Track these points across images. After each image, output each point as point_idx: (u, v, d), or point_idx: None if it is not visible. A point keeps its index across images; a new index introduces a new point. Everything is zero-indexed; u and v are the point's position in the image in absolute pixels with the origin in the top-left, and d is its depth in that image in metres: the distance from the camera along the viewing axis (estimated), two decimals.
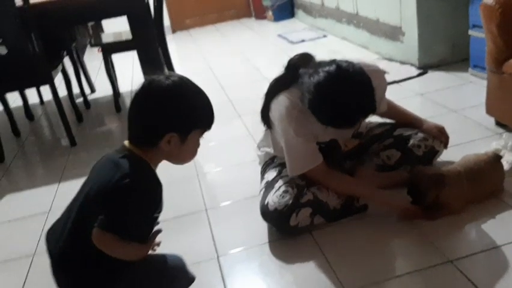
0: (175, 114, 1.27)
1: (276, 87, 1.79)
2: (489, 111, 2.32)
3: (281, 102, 1.74)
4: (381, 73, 1.90)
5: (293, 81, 1.74)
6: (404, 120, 2.03)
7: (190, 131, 1.30)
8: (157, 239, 1.35)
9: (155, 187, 1.28)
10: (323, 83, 1.57)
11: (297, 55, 1.82)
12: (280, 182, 1.82)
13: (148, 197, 1.25)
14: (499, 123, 2.31)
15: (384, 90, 1.91)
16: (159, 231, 1.34)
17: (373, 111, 1.64)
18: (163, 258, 1.39)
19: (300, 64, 1.76)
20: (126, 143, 1.31)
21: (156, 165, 1.34)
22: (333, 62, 1.61)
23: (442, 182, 1.69)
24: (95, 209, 1.21)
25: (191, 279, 1.42)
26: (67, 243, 1.27)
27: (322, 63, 1.65)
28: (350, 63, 1.60)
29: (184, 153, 1.34)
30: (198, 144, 1.36)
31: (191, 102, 1.30)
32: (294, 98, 1.71)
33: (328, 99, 1.57)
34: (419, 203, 1.74)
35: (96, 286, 1.29)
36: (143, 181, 1.25)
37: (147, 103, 1.28)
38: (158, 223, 1.38)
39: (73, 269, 1.28)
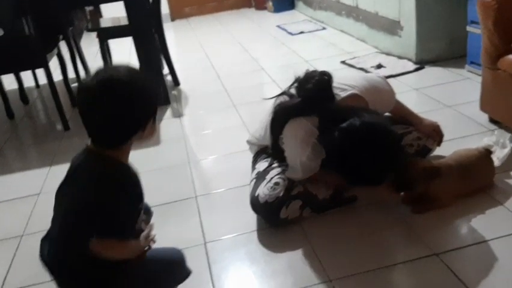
0: (142, 111, 1.21)
1: (292, 114, 1.73)
2: (483, 107, 2.31)
3: (299, 126, 1.70)
4: (391, 92, 1.91)
5: (311, 113, 1.70)
6: (401, 115, 2.02)
7: (150, 121, 1.25)
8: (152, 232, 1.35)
9: (132, 180, 1.25)
10: (346, 148, 1.53)
11: (312, 81, 1.72)
12: (271, 174, 1.82)
13: (128, 191, 1.23)
14: (492, 120, 2.31)
15: (391, 105, 1.92)
16: (152, 224, 1.35)
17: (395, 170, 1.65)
18: (162, 252, 1.38)
19: (317, 99, 1.70)
20: (90, 145, 1.24)
21: (127, 157, 1.28)
22: (354, 113, 1.56)
23: (434, 174, 1.69)
24: (81, 221, 1.18)
25: (187, 273, 1.41)
26: (59, 254, 1.25)
27: (343, 112, 1.61)
28: (375, 121, 1.57)
29: (145, 137, 1.26)
30: (155, 123, 1.28)
31: (149, 93, 1.24)
32: (312, 125, 1.68)
33: (351, 165, 1.55)
34: (406, 190, 1.75)
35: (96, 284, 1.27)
36: (118, 180, 1.21)
37: (114, 104, 1.16)
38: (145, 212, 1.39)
39: (70, 274, 1.26)
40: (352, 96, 1.74)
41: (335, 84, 1.74)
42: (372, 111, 1.67)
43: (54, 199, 1.28)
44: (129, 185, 1.24)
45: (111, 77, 1.18)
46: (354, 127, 1.53)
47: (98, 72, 1.19)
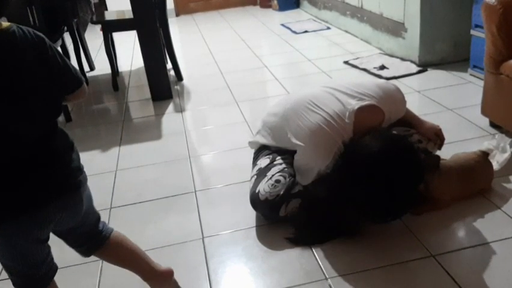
0: None
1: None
2: (484, 111, 2.32)
3: (322, 139, 1.70)
4: (403, 100, 1.91)
5: None
6: (404, 118, 2.02)
7: None
8: None
9: None
10: (387, 165, 1.51)
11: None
12: (273, 171, 1.82)
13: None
14: (493, 124, 2.32)
15: (403, 113, 1.92)
16: None
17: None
18: None
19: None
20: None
21: None
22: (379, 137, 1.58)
23: (434, 164, 1.71)
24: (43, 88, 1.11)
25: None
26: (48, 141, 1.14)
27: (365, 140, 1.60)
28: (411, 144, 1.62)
29: None
30: None
31: None
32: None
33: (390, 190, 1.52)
34: None
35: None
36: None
37: None
38: None
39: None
40: (370, 107, 1.74)
41: (350, 91, 1.76)
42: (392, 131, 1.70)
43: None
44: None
45: None
46: (391, 147, 1.54)
47: None
